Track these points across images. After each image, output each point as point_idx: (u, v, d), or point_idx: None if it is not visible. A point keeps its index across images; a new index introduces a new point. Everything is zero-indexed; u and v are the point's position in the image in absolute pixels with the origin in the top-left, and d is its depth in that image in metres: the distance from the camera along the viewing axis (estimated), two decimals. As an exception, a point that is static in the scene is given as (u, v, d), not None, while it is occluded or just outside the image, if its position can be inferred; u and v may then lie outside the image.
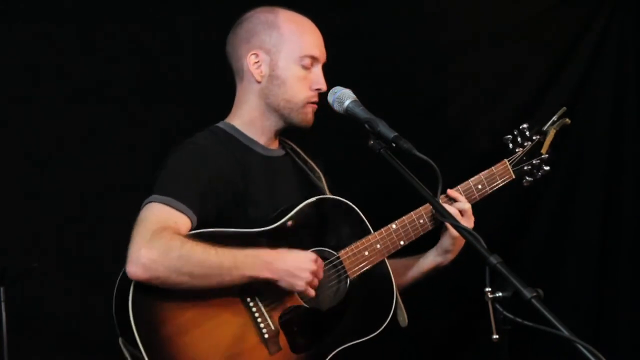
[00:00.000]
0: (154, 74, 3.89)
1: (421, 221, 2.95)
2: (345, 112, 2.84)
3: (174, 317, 2.70)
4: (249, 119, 2.99)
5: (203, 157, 2.86)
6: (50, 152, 3.76)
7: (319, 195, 2.95)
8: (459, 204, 2.96)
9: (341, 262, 2.88)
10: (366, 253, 2.89)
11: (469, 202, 3.00)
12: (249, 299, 2.77)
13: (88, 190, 3.78)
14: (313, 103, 2.96)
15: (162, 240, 2.65)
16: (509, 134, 3.12)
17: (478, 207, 3.00)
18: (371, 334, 2.87)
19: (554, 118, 3.13)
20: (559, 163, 3.55)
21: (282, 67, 2.94)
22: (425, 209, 2.95)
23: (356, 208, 2.93)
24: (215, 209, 2.81)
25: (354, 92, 2.87)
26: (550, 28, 4.29)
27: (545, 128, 3.12)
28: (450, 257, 3.01)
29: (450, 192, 2.98)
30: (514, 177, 3.09)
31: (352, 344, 2.85)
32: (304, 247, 2.83)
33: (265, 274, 2.72)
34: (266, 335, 2.76)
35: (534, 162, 3.11)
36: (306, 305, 2.82)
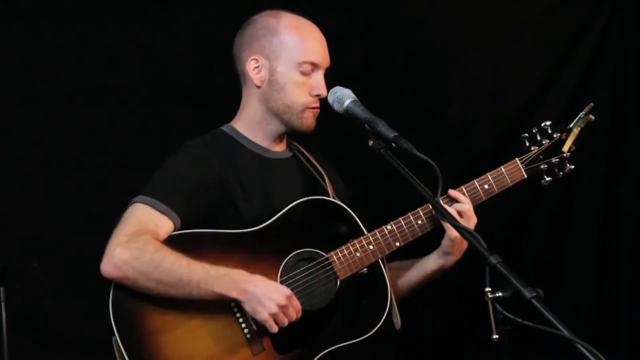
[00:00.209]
0: (154, 74, 3.89)
1: (419, 222, 2.92)
2: (345, 112, 2.84)
3: (155, 315, 2.72)
4: (252, 123, 3.00)
5: (199, 159, 2.88)
6: (50, 152, 3.76)
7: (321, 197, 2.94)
8: (458, 205, 2.92)
9: (330, 263, 2.86)
10: (358, 254, 2.87)
11: (474, 202, 2.94)
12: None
13: (88, 190, 3.78)
14: (313, 108, 2.96)
15: (137, 244, 2.70)
16: (527, 132, 3.02)
17: (478, 208, 2.99)
18: (364, 335, 2.84)
19: (581, 115, 3.02)
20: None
21: (281, 72, 2.95)
22: (424, 210, 2.92)
23: (349, 209, 2.92)
24: (207, 210, 2.83)
25: (354, 92, 2.87)
26: (550, 28, 4.28)
27: (571, 125, 3.01)
28: (452, 259, 2.97)
29: (451, 192, 2.94)
30: (525, 176, 2.99)
31: (344, 345, 2.83)
32: (287, 248, 2.83)
33: (232, 293, 2.73)
34: (248, 336, 2.76)
35: (552, 160, 3.01)
36: None
